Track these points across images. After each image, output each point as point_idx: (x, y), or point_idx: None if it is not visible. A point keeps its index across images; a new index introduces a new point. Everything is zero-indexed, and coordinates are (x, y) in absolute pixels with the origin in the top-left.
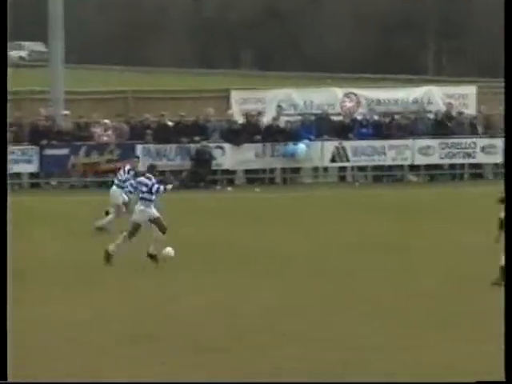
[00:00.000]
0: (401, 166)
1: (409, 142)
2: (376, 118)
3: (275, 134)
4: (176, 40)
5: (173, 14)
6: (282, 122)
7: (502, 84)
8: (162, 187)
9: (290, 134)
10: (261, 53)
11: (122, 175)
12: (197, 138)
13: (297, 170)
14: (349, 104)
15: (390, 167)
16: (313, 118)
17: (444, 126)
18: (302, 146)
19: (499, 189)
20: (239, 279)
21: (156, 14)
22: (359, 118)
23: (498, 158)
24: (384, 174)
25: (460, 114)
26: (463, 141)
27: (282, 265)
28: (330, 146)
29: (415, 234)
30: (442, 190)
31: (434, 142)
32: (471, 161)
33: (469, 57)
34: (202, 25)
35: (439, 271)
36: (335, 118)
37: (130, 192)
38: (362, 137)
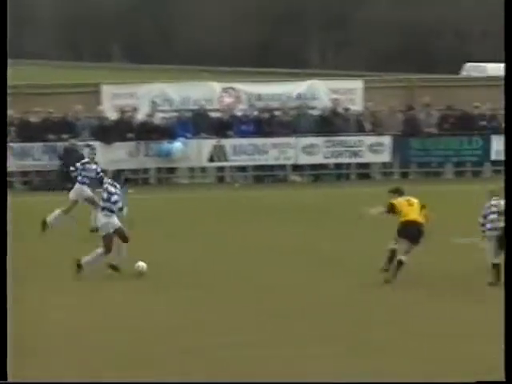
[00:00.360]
0: (283, 166)
1: (292, 140)
2: (256, 114)
3: (149, 132)
4: (42, 32)
5: (41, 7)
6: (157, 118)
7: (391, 77)
8: (120, 204)
9: (165, 132)
10: (131, 46)
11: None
12: (65, 136)
13: (172, 170)
14: (228, 99)
15: (272, 167)
16: (189, 114)
17: (329, 122)
18: (177, 145)
19: (387, 189)
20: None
21: (23, 6)
22: (239, 114)
23: (386, 157)
24: (266, 174)
25: (346, 110)
26: (349, 139)
27: (165, 273)
28: (208, 144)
29: (302, 237)
30: (327, 190)
31: (318, 140)
32: (358, 160)
33: (355, 49)
34: (70, 17)
35: (337, 276)
36: (213, 115)
37: (84, 183)
38: (242, 134)
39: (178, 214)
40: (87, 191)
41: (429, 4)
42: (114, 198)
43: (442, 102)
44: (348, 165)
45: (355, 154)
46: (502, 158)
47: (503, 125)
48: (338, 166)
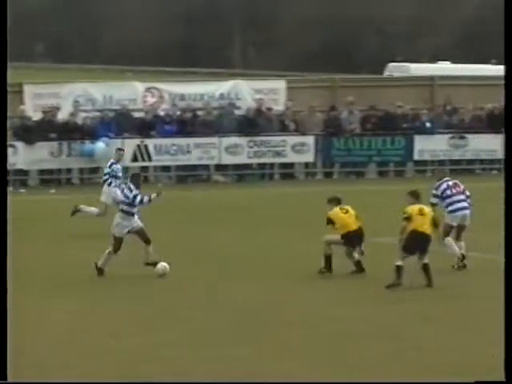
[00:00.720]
0: (207, 166)
1: (215, 139)
2: (180, 113)
3: (72, 132)
4: None
5: None
6: (80, 118)
7: (314, 77)
8: (146, 198)
9: (88, 132)
10: (55, 45)
11: (105, 169)
12: None
13: (95, 170)
14: (151, 99)
15: (196, 167)
16: (112, 114)
17: (252, 122)
18: (100, 145)
19: (311, 189)
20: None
21: None
22: (162, 114)
23: (310, 157)
24: (189, 174)
25: (269, 110)
26: (273, 139)
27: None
28: (131, 144)
29: (223, 237)
30: (250, 190)
31: (241, 140)
32: (281, 160)
33: (278, 49)
34: None
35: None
36: (136, 115)
37: (110, 183)
38: (165, 134)
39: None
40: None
41: (352, 4)
42: (131, 199)
43: (365, 101)
44: (271, 165)
45: (278, 154)
46: (425, 157)
47: (426, 124)
48: (261, 165)
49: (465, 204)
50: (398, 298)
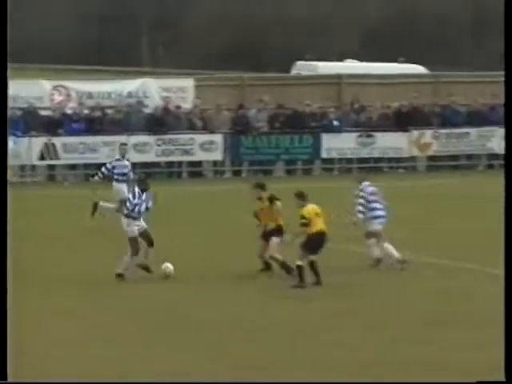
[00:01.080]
0: None
1: (123, 138)
2: (87, 112)
3: None
4: None
5: None
6: None
7: (222, 76)
8: (143, 206)
9: None
10: None
11: (108, 164)
12: None
13: None
14: (58, 97)
15: (104, 165)
16: (19, 112)
17: (161, 121)
18: (8, 144)
19: (219, 188)
20: None
21: None
22: (70, 112)
23: (218, 155)
24: (97, 173)
25: (177, 108)
26: (181, 137)
27: None
28: (39, 142)
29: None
30: (158, 188)
31: (150, 139)
32: (189, 158)
33: (187, 48)
34: None
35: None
36: (44, 113)
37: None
38: (73, 133)
39: (10, 213)
40: (124, 192)
41: (260, 3)
42: (133, 205)
43: (273, 100)
44: (179, 163)
45: (186, 153)
46: (333, 156)
47: (334, 122)
48: (169, 164)
49: (383, 213)
50: (305, 295)
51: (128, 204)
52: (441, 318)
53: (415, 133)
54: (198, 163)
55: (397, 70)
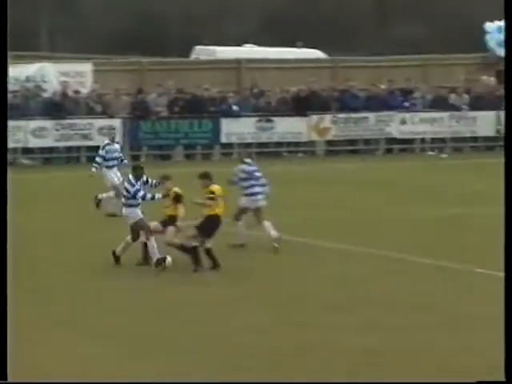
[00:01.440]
0: (13, 149)
1: (22, 123)
2: None
3: None
4: None
5: None
6: None
7: (121, 61)
8: (149, 195)
9: None
10: None
11: (101, 151)
12: None
13: None
14: None
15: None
16: None
17: (59, 105)
18: None
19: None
20: None
21: None
22: None
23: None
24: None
25: (76, 92)
26: (79, 122)
27: None
28: None
29: (34, 223)
30: (57, 174)
31: (48, 123)
32: (88, 143)
33: (86, 33)
34: None
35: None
36: None
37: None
38: None
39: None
40: (114, 178)
41: None
42: (133, 192)
43: (172, 85)
44: (78, 148)
45: (85, 137)
46: (232, 140)
47: (233, 107)
48: (68, 149)
49: (260, 189)
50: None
51: (127, 192)
52: (341, 303)
53: (314, 117)
54: (97, 148)
55: (295, 55)
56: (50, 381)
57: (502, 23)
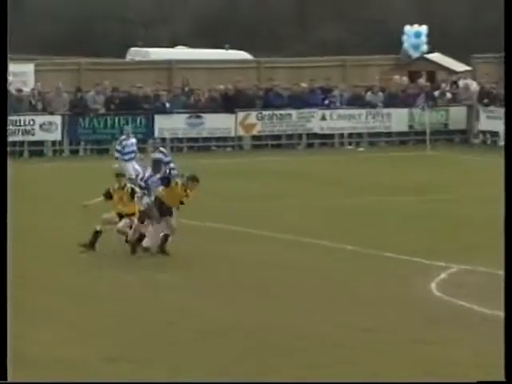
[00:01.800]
0: None
1: None
2: None
3: None
4: None
5: None
6: None
7: (61, 61)
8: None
9: None
10: None
11: (119, 146)
12: None
13: None
14: None
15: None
16: None
17: None
18: None
19: (59, 165)
20: None
21: None
22: None
23: (57, 136)
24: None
25: (19, 91)
26: (22, 118)
27: None
28: None
29: None
30: None
31: None
32: (30, 138)
33: (27, 34)
34: None
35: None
36: None
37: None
38: None
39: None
40: (131, 171)
41: None
42: (146, 177)
43: (109, 84)
44: (21, 143)
45: (27, 133)
46: (165, 135)
47: (166, 105)
48: (12, 143)
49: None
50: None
51: (140, 180)
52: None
53: (240, 114)
54: (39, 143)
55: (223, 56)
56: (50, 381)
57: (420, 28)
